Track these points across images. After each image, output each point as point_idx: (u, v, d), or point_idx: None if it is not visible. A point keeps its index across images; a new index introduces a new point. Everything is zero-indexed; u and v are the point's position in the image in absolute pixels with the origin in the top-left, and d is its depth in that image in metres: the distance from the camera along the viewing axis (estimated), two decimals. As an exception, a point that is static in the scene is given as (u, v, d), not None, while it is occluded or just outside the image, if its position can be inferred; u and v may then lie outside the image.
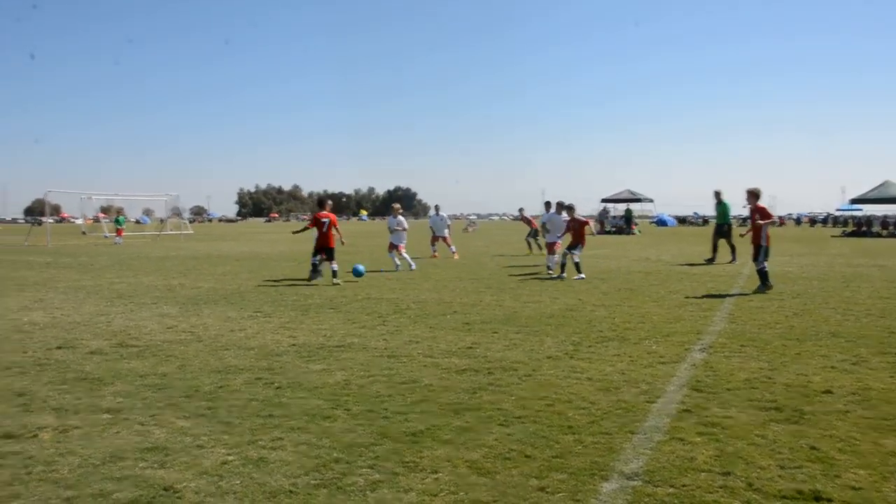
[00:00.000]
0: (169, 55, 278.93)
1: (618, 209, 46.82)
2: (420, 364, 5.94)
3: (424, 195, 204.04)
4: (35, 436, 4.11)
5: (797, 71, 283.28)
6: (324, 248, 12.87)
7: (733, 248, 17.27)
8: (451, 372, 5.64)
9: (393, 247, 15.71)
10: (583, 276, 12.94)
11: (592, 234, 15.08)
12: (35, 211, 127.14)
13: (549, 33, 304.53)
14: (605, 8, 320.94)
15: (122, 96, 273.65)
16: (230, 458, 3.71)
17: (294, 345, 6.82)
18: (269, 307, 9.60)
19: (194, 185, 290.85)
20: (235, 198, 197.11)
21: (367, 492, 3.27)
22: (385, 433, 4.09)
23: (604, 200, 48.39)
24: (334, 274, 12.58)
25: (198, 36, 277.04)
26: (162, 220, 50.54)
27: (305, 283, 12.73)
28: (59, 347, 6.80)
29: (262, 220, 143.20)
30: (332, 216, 13.08)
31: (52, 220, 47.36)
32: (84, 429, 4.24)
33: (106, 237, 39.00)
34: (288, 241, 19.68)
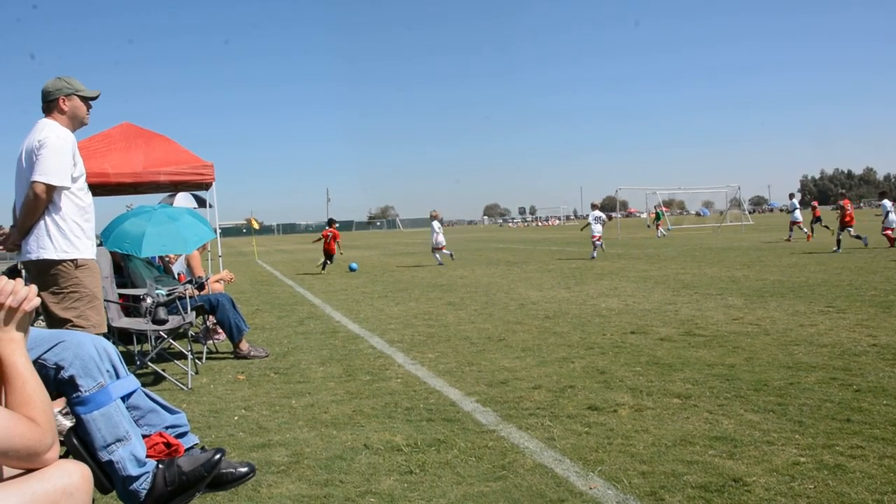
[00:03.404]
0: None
1: None
2: None
3: None
4: (615, 411, 4.50)
5: None
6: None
7: None
8: None
9: None
10: None
11: None
12: (606, 207, 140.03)
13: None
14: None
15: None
16: (802, 459, 3.51)
17: (875, 345, 6.13)
18: (843, 302, 8.82)
19: (755, 174, 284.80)
20: (798, 185, 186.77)
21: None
22: None
23: None
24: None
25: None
26: (721, 212, 50.67)
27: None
28: (633, 332, 7.33)
29: (828, 208, 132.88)
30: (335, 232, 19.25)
31: (620, 216, 51.52)
32: (656, 410, 4.48)
33: (669, 229, 40.82)
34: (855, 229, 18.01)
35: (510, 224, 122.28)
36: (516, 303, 10.35)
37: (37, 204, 4.23)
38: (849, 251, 17.64)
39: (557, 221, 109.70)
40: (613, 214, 56.98)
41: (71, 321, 4.30)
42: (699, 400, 4.65)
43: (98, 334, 4.36)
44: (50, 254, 4.29)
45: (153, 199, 13.82)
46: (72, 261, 4.35)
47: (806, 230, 25.04)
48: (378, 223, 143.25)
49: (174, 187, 12.74)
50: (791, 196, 27.68)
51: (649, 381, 5.23)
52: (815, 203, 26.74)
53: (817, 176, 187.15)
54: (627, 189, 48.79)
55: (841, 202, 19.17)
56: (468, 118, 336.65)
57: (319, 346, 7.46)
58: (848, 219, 18.59)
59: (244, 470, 2.80)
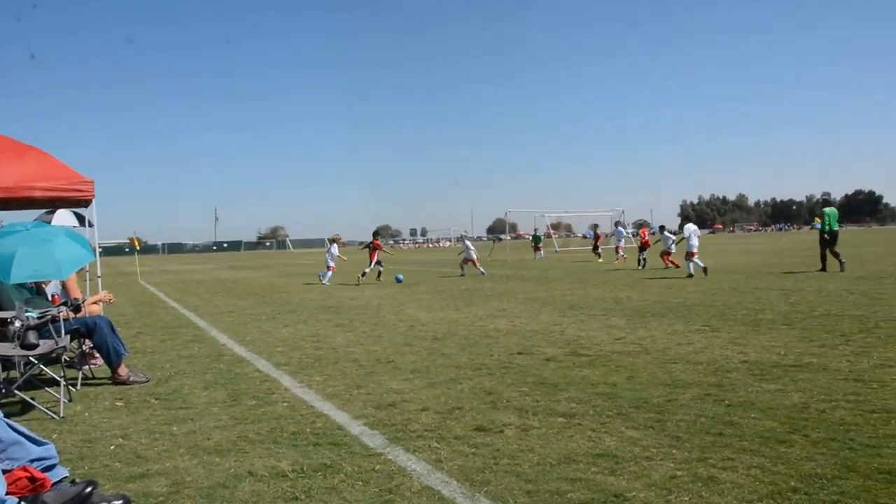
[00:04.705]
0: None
1: None
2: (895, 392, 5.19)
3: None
4: (501, 431, 4.56)
5: None
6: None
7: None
8: (936, 404, 4.81)
9: None
10: None
11: None
12: (496, 229, 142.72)
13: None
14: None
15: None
16: (679, 472, 3.66)
17: (745, 361, 6.49)
18: (718, 321, 9.31)
19: (639, 198, 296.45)
20: (678, 210, 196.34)
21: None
22: (852, 467, 3.64)
23: None
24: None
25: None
26: (607, 235, 52.39)
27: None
28: (520, 353, 7.47)
29: (705, 231, 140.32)
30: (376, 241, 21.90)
31: (510, 237, 52.54)
32: (542, 429, 4.57)
33: (557, 251, 41.83)
34: (729, 252, 19.31)
35: (401, 245, 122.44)
36: (405, 324, 10.35)
37: None
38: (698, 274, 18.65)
39: (448, 243, 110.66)
40: (503, 237, 58.07)
41: None
42: (583, 418, 4.78)
43: None
44: None
45: (29, 216, 13.02)
46: None
47: (623, 254, 30.06)
48: (268, 243, 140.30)
49: (51, 203, 12.09)
50: (616, 224, 35.27)
51: (535, 400, 5.33)
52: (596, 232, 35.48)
53: (696, 201, 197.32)
54: (516, 212, 49.84)
55: (639, 231, 26.50)
56: (362, 140, 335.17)
57: (203, 370, 7.21)
58: (643, 243, 24.58)
59: (118, 503, 2.67)
